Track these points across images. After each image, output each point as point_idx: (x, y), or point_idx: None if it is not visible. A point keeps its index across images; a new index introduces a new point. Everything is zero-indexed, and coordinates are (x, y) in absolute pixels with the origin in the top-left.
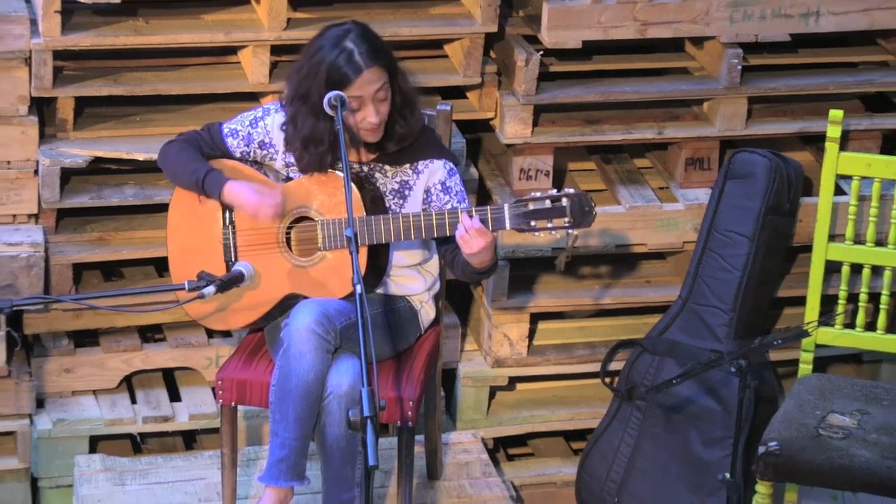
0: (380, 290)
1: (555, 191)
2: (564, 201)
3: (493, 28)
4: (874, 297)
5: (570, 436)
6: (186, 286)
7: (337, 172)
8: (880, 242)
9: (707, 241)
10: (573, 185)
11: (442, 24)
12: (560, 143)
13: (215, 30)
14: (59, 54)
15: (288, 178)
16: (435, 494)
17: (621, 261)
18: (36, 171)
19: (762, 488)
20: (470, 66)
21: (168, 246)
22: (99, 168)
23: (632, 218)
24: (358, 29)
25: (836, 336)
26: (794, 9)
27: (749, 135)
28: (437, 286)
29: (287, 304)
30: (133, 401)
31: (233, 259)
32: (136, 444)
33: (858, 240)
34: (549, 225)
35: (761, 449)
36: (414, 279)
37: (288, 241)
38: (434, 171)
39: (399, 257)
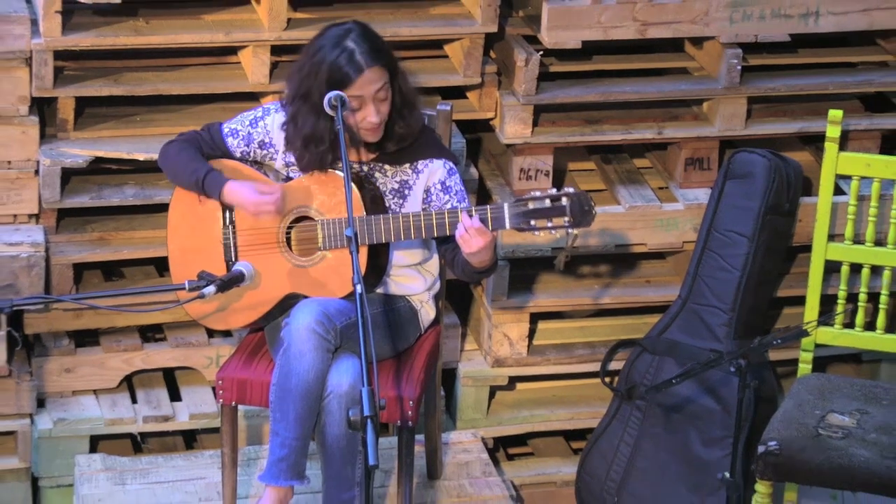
0: (380, 290)
1: (554, 190)
2: (564, 200)
3: (493, 28)
4: (873, 297)
5: (569, 435)
6: (187, 286)
7: (337, 172)
8: (879, 242)
9: (707, 240)
10: (573, 185)
11: (442, 24)
12: (560, 143)
13: (215, 30)
14: (59, 54)
15: (288, 178)
16: (435, 494)
17: (621, 261)
18: (36, 171)
19: (762, 488)
20: (470, 66)
21: (168, 246)
22: (99, 168)
23: (631, 218)
24: (359, 28)
25: (835, 336)
26: (794, 9)
27: (748, 135)
28: (437, 286)
29: (287, 303)
30: (133, 400)
31: (233, 259)
32: (137, 443)
33: (858, 240)
34: (549, 224)
35: (761, 448)
36: (414, 279)
37: (288, 240)
38: (434, 171)
39: (399, 257)
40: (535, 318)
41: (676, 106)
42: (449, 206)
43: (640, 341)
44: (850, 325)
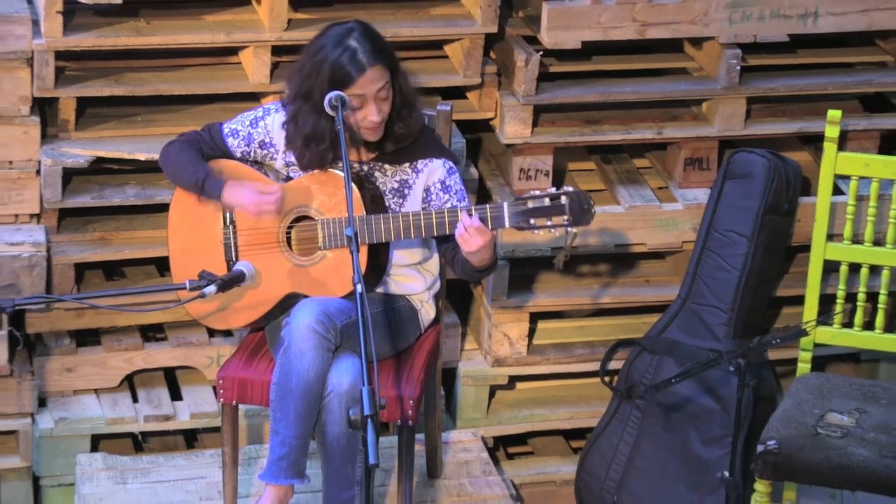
0: (380, 290)
1: (554, 189)
2: (563, 199)
3: (493, 29)
4: (872, 297)
5: (569, 435)
6: (188, 285)
7: (337, 172)
8: (878, 242)
9: (706, 240)
10: (573, 185)
11: (442, 24)
12: (560, 143)
13: (216, 30)
14: (60, 55)
15: (288, 178)
16: (435, 493)
17: (620, 260)
18: (38, 171)
19: (761, 487)
20: (470, 66)
21: (169, 246)
22: (100, 168)
23: (631, 218)
24: (361, 28)
25: (834, 335)
26: (793, 9)
27: (748, 135)
28: (438, 285)
29: (288, 303)
30: (134, 400)
31: (233, 258)
32: (138, 442)
33: (856, 239)
34: (549, 223)
35: (760, 448)
36: (414, 278)
37: (288, 240)
38: (434, 171)
39: (399, 256)
40: (535, 317)
41: (676, 106)
42: (449, 205)
43: (640, 341)
44: (848, 324)
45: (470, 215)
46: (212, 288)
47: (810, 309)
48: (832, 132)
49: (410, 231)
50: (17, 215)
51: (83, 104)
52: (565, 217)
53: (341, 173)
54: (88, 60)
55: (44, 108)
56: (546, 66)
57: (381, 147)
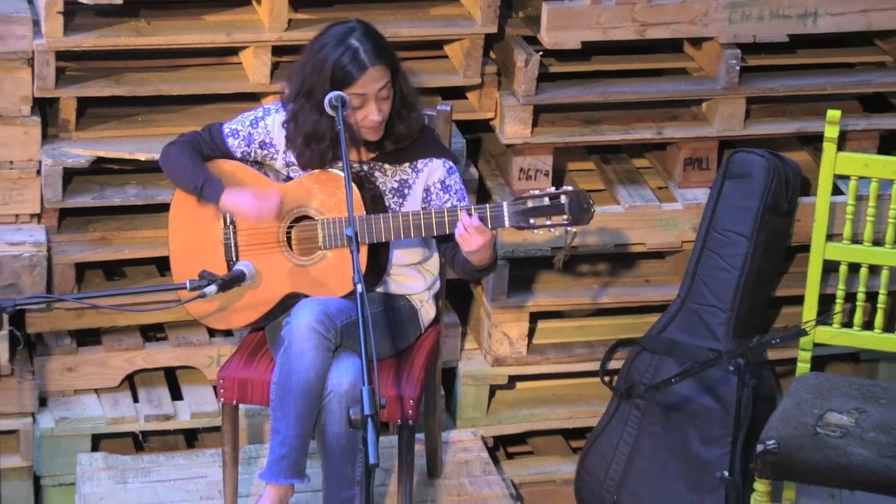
0: (380, 289)
1: (553, 188)
2: (563, 199)
3: (493, 29)
4: (871, 297)
5: (569, 434)
6: (188, 285)
7: (337, 172)
8: (878, 242)
9: (705, 240)
10: (572, 185)
11: (442, 25)
12: (559, 144)
13: (216, 31)
14: (61, 55)
15: (288, 178)
16: (435, 492)
17: (620, 260)
18: (38, 171)
19: (760, 486)
20: (470, 66)
21: (169, 246)
22: (101, 168)
23: (631, 218)
24: (362, 27)
25: (833, 335)
26: (792, 10)
27: (747, 135)
28: (437, 285)
29: (288, 303)
30: (135, 399)
31: (234, 258)
32: (138, 442)
33: (856, 239)
34: (548, 222)
35: (759, 447)
36: (414, 278)
37: (288, 240)
38: (433, 170)
39: (399, 256)
40: (535, 317)
41: (675, 106)
42: (449, 205)
43: (640, 340)
44: (848, 324)
45: (469, 215)
46: (212, 288)
47: (810, 309)
48: (831, 132)
49: (410, 231)
50: (17, 215)
51: (84, 104)
52: (565, 216)
53: (341, 173)
54: (89, 60)
55: (44, 108)
56: (546, 67)
57: (380, 147)
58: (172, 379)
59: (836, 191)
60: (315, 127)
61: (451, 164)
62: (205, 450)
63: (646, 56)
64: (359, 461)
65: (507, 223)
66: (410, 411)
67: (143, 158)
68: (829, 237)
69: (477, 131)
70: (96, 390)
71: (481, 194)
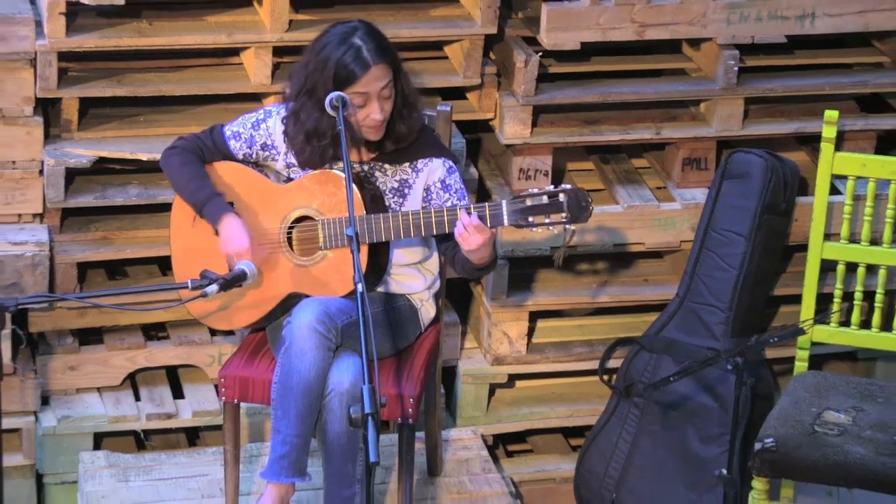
0: (380, 289)
1: (552, 187)
2: (561, 197)
3: (493, 30)
4: (869, 296)
5: (568, 432)
6: (189, 285)
7: (337, 172)
8: (875, 241)
9: (704, 240)
10: (571, 184)
11: (442, 25)
12: (559, 144)
13: (218, 31)
14: (63, 55)
15: (289, 179)
16: (435, 490)
17: (619, 260)
18: (41, 171)
19: (758, 484)
20: (470, 67)
21: (171, 245)
22: (103, 168)
23: (630, 217)
24: (364, 27)
25: (831, 334)
26: (790, 11)
27: (745, 135)
28: (437, 285)
29: (289, 303)
30: (137, 398)
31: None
32: (140, 440)
33: (853, 239)
34: (547, 220)
35: (757, 445)
36: (414, 278)
37: (289, 240)
38: (434, 170)
39: (399, 256)
40: (535, 316)
41: (674, 106)
42: (449, 204)
43: (639, 339)
44: (845, 323)
45: (469, 214)
46: (213, 287)
47: (807, 308)
48: (829, 132)
49: (410, 230)
50: (20, 215)
51: (86, 104)
52: (563, 214)
53: (341, 174)
54: (91, 61)
55: (47, 108)
56: (545, 67)
57: (381, 147)
58: (174, 378)
59: (834, 191)
60: (316, 125)
61: (450, 163)
62: (206, 448)
63: (645, 57)
64: (359, 459)
65: (506, 221)
66: (410, 410)
67: (144, 158)
68: (827, 237)
69: (477, 131)
70: (98, 389)
71: (481, 194)
